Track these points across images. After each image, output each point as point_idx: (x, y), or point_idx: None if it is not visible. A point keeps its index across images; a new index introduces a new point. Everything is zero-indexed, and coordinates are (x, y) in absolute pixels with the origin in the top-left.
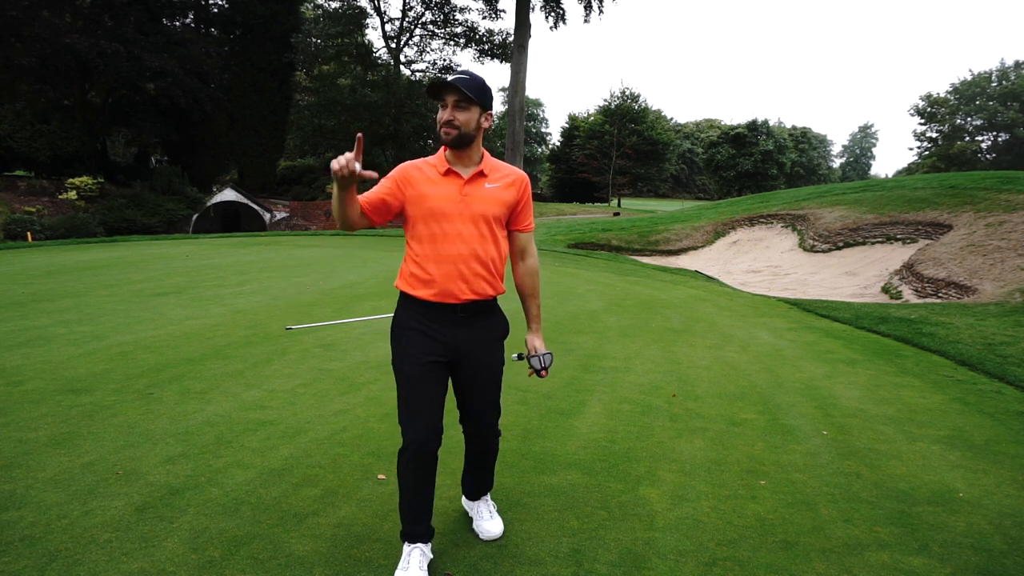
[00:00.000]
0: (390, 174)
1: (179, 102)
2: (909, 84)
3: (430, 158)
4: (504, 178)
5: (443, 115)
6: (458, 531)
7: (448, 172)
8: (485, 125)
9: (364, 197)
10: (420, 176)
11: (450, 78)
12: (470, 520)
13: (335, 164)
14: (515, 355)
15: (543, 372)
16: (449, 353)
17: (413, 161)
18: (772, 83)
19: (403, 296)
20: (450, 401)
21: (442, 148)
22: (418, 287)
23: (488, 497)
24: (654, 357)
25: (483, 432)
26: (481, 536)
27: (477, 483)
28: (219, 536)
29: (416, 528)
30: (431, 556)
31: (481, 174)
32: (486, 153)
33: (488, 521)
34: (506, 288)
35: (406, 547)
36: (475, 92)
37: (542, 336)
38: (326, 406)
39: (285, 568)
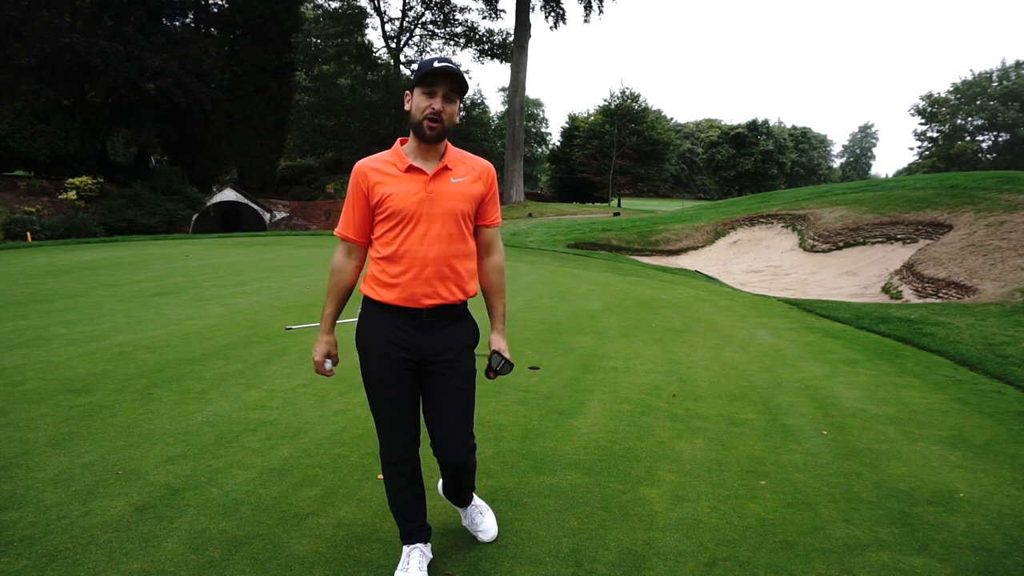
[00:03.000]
0: (351, 184)
1: (179, 102)
2: (909, 84)
3: (384, 154)
4: (471, 171)
5: (431, 106)
6: (458, 531)
7: (410, 168)
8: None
9: (349, 228)
10: (379, 176)
11: (439, 64)
12: None
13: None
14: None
15: (490, 374)
16: (415, 360)
17: (365, 160)
18: (772, 83)
19: (367, 301)
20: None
21: (398, 141)
22: (382, 291)
23: (475, 500)
24: (654, 357)
25: (455, 448)
26: (480, 539)
27: (458, 498)
28: (219, 536)
29: (412, 528)
30: (431, 556)
31: (446, 168)
32: (448, 144)
33: (482, 522)
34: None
35: (405, 548)
36: (465, 86)
37: (505, 338)
38: (326, 406)
39: (285, 568)
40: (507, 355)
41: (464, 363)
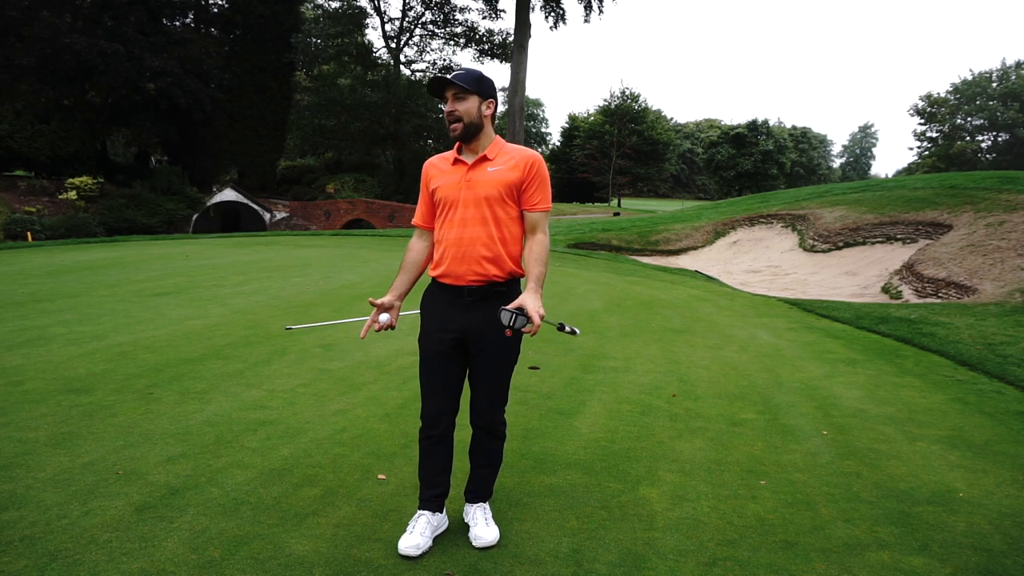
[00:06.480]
0: (421, 179)
1: (179, 102)
2: (909, 84)
3: (446, 152)
4: (510, 160)
5: (446, 109)
6: (458, 531)
7: (456, 162)
8: (488, 112)
9: (419, 216)
10: (435, 170)
11: (434, 77)
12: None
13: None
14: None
15: (507, 331)
16: (458, 334)
17: (431, 158)
18: (772, 83)
19: (430, 281)
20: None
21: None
22: (435, 269)
23: (486, 505)
24: (654, 357)
25: (485, 419)
26: (474, 544)
27: (478, 482)
28: (219, 536)
29: (426, 495)
30: (436, 526)
31: (485, 159)
32: (499, 140)
33: (483, 528)
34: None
35: (415, 516)
36: (470, 82)
37: (539, 299)
38: (326, 406)
39: (285, 568)
40: (534, 313)
41: (502, 341)
